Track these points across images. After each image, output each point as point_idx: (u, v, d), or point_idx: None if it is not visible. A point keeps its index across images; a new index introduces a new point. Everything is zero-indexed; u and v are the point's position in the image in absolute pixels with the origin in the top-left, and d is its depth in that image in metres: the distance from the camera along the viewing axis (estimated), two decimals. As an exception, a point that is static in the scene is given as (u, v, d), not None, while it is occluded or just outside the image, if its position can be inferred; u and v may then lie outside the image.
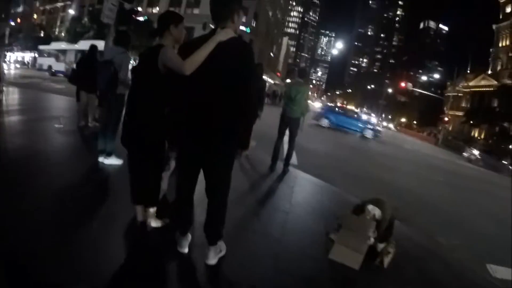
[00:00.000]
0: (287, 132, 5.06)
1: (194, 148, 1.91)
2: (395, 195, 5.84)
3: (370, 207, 2.74)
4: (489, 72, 56.26)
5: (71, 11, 44.77)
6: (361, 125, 18.67)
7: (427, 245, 3.59)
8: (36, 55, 43.50)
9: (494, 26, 56.82)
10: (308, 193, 4.43)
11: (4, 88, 7.34)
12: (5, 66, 29.02)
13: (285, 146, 5.23)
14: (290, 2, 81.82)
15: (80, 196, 2.90)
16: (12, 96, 8.66)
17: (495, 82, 51.32)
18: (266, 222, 3.15)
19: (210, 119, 1.84)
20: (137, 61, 2.31)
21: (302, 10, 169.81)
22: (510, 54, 52.54)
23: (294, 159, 6.21)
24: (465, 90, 59.59)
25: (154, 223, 2.46)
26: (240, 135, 1.95)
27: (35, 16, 58.28)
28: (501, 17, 55.92)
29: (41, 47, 30.08)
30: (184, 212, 2.16)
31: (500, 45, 55.31)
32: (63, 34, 45.37)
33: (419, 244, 3.54)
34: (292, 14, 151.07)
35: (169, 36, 2.22)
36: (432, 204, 6.25)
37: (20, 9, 63.05)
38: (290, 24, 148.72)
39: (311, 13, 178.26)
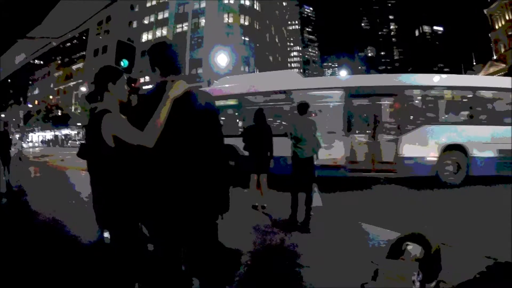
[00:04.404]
0: None
1: (171, 227, 1.62)
2: (437, 211, 4.96)
3: (410, 247, 2.29)
4: (495, 57, 54.12)
5: (83, 89, 45.41)
6: None
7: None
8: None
9: (485, 11, 55.48)
10: (336, 239, 3.74)
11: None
12: (25, 146, 30.26)
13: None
14: (287, 43, 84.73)
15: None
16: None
17: (503, 65, 48.95)
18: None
19: (180, 191, 1.56)
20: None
21: (300, 49, 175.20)
22: (509, 33, 50.68)
23: (318, 201, 5.66)
24: (477, 82, 56.68)
25: None
26: (217, 199, 1.66)
27: (51, 97, 61.46)
28: (489, 0, 54.59)
29: None
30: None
31: (496, 27, 53.59)
32: (78, 111, 47.30)
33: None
34: (292, 54, 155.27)
35: (109, 97, 1.87)
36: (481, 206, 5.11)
37: (36, 92, 68.44)
38: (293, 64, 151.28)
39: (310, 50, 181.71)
